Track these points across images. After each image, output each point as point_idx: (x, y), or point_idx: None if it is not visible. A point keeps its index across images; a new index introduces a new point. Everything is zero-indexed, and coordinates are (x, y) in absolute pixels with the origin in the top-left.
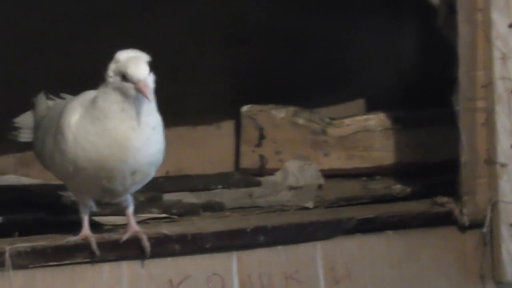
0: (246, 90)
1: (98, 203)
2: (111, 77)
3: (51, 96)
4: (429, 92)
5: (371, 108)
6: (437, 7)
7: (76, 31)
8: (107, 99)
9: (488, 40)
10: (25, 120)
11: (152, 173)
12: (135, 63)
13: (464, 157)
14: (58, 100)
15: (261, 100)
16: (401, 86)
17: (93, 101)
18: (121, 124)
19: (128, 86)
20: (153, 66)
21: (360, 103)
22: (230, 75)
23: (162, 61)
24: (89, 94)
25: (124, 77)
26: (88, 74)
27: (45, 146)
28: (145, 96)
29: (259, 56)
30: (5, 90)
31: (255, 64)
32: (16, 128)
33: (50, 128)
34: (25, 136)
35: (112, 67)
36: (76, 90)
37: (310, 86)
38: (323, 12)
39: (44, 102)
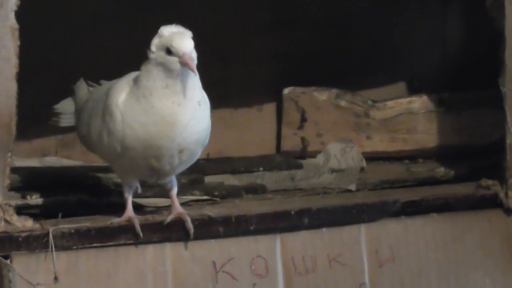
0: (288, 72)
1: (142, 185)
2: (154, 52)
3: (90, 82)
4: (475, 74)
5: (415, 90)
6: None
7: (119, 14)
8: (150, 76)
9: None
10: (65, 106)
11: (198, 152)
12: (180, 36)
13: (509, 140)
14: (99, 87)
15: (303, 83)
16: (446, 68)
17: (136, 80)
18: (166, 100)
19: (173, 59)
20: (197, 48)
21: (404, 85)
22: (272, 57)
23: (206, 43)
24: (135, 74)
25: (169, 51)
26: (132, 58)
27: (91, 128)
28: (191, 68)
29: (302, 38)
30: (46, 75)
31: (298, 46)
32: (57, 114)
33: (97, 109)
34: (66, 121)
35: (155, 42)
36: (119, 74)
37: (354, 68)
38: None
39: (84, 88)
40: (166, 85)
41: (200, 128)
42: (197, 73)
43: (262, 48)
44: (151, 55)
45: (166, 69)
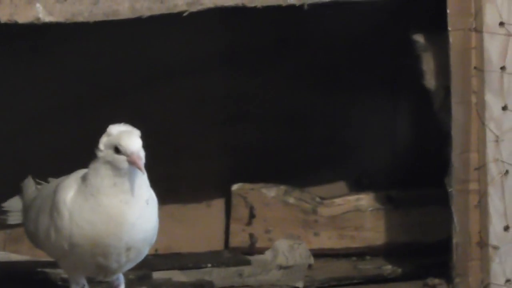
0: (237, 168)
1: (89, 281)
2: (102, 151)
3: (38, 180)
4: (422, 172)
5: (363, 187)
6: (433, 91)
7: (69, 109)
8: (98, 174)
9: (481, 122)
10: (13, 204)
11: (146, 251)
12: (128, 135)
13: (456, 239)
14: (47, 184)
15: (252, 179)
16: (394, 165)
17: (84, 178)
18: (114, 198)
19: (121, 158)
20: (146, 143)
21: (352, 182)
22: (221, 153)
23: (154, 139)
24: (83, 172)
25: (117, 149)
26: (85, 153)
27: (39, 225)
28: (139, 167)
29: (251, 134)
30: None
31: (246, 143)
32: (4, 212)
33: (44, 206)
34: (13, 219)
35: (103, 141)
36: (70, 170)
37: (302, 165)
38: (318, 91)
39: (32, 186)
40: (114, 184)
41: (148, 227)
42: (145, 172)
43: (210, 144)
44: (99, 153)
45: (114, 167)
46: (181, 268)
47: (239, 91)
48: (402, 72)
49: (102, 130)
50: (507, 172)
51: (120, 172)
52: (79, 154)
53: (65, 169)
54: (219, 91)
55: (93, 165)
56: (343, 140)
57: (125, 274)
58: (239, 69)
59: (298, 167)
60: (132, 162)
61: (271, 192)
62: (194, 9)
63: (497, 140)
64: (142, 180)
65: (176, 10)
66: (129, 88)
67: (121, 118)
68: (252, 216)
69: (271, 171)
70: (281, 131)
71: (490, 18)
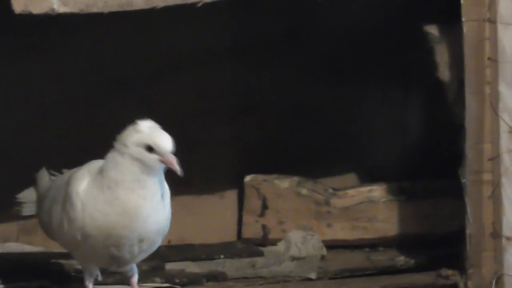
0: (250, 160)
1: (103, 272)
2: (128, 146)
3: (52, 171)
4: (434, 163)
5: (375, 179)
6: (447, 83)
7: (82, 100)
8: (118, 168)
9: (495, 113)
10: (27, 195)
11: (158, 242)
12: (162, 135)
13: (469, 230)
14: (60, 175)
15: (264, 170)
16: (406, 157)
17: (101, 170)
18: (132, 193)
19: (153, 157)
20: None
21: (364, 173)
22: (234, 144)
23: (168, 130)
24: (97, 163)
25: (149, 148)
26: (95, 144)
27: (52, 216)
28: (175, 169)
29: (264, 126)
30: (7, 162)
31: (259, 134)
32: (19, 203)
33: (58, 197)
34: (28, 210)
35: (132, 138)
36: (83, 160)
37: (314, 156)
38: (329, 83)
39: (46, 177)
40: (137, 179)
41: (161, 219)
42: (182, 172)
43: (224, 136)
44: (124, 149)
45: (144, 165)
46: (194, 259)
47: (250, 83)
48: (414, 64)
49: (112, 122)
50: None
51: (149, 170)
52: (90, 145)
53: (76, 160)
54: (230, 83)
55: (112, 158)
56: (355, 131)
57: (138, 265)
58: (250, 61)
59: (309, 159)
60: (167, 163)
61: (284, 183)
62: None
63: (510, 131)
64: (162, 176)
65: (190, 1)
66: (140, 80)
67: (132, 109)
68: (265, 207)
69: (282, 163)
70: (292, 123)
71: (504, 8)
